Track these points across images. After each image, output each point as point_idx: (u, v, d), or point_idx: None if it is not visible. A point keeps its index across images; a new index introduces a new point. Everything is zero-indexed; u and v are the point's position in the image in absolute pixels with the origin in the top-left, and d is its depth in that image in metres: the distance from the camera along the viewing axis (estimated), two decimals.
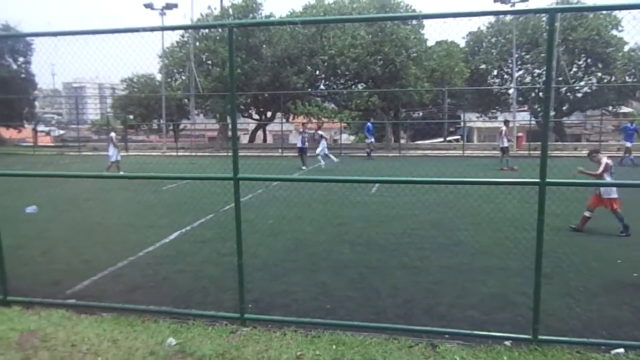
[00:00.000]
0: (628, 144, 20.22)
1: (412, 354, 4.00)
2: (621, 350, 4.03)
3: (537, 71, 36.20)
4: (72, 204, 11.38)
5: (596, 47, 32.54)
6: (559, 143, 30.73)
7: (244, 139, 41.02)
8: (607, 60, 33.31)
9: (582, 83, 36.13)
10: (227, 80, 27.98)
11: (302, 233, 8.38)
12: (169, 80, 36.33)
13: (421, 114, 41.14)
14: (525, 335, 4.18)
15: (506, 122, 20.18)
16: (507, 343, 4.18)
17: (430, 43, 31.69)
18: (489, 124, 44.06)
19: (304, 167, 19.35)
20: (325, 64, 31.12)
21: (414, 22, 29.53)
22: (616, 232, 8.21)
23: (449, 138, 40.22)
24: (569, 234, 8.21)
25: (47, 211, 10.34)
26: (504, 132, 19.36)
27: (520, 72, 36.84)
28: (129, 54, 5.17)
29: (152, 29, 4.59)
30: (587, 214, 8.44)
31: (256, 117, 39.06)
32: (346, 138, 44.21)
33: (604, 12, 30.12)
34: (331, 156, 20.43)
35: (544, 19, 32.51)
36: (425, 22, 22.97)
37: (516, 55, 33.12)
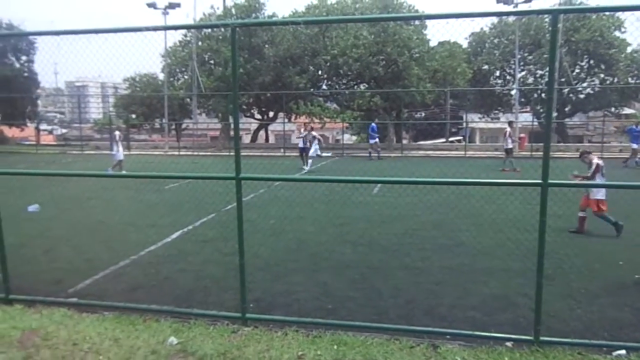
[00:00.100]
0: (635, 146, 20.22)
1: (414, 354, 4.00)
2: (623, 352, 4.03)
3: (539, 72, 36.13)
4: (74, 202, 11.40)
5: (599, 48, 32.47)
6: (561, 144, 30.68)
7: (246, 139, 41.05)
8: (609, 62, 33.22)
9: (584, 84, 36.05)
10: (229, 79, 27.99)
11: (304, 233, 8.39)
12: (171, 79, 36.36)
13: (423, 114, 41.10)
14: (526, 336, 4.17)
15: (510, 123, 20.13)
16: (509, 344, 4.18)
17: (433, 43, 31.72)
18: (491, 125, 44.00)
19: (305, 167, 19.36)
20: (328, 64, 31.12)
21: (417, 22, 29.50)
22: (613, 233, 8.19)
23: (451, 139, 40.17)
24: (570, 235, 8.20)
25: (50, 210, 10.36)
26: (508, 133, 19.32)
27: (523, 73, 36.77)
28: (132, 53, 5.19)
29: (155, 29, 4.59)
30: (581, 214, 8.44)
31: (258, 116, 39.07)
32: (348, 138, 44.20)
33: (607, 13, 30.04)
34: (322, 155, 20.18)
35: (547, 19, 32.48)
36: (428, 22, 22.97)
37: (519, 56, 33.07)
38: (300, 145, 20.01)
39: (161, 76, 37.34)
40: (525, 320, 4.64)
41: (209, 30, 32.08)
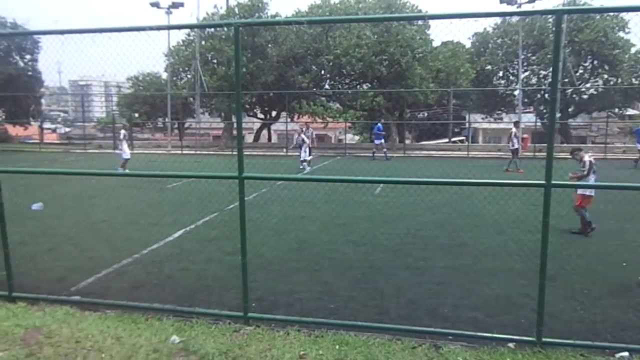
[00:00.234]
0: None
1: (416, 354, 4.00)
2: (626, 354, 4.02)
3: (542, 72, 36.05)
4: (78, 201, 11.43)
5: (603, 48, 32.36)
6: (565, 145, 30.60)
7: (249, 138, 41.09)
8: (613, 62, 33.12)
9: (588, 85, 35.95)
10: (232, 79, 27.97)
11: (306, 232, 8.39)
12: (174, 78, 36.40)
13: (426, 114, 41.07)
14: (529, 337, 4.17)
15: (516, 124, 20.09)
16: (511, 345, 4.18)
17: (436, 43, 31.68)
18: (494, 125, 43.94)
19: (308, 167, 19.36)
20: (331, 63, 31.11)
21: (420, 22, 29.47)
22: (621, 234, 8.17)
23: (453, 139, 40.12)
24: (573, 236, 8.17)
25: (53, 208, 10.38)
26: (513, 133, 19.28)
27: (526, 74, 36.71)
28: (135, 53, 5.20)
29: (159, 28, 4.60)
30: (586, 214, 8.40)
31: (261, 116, 39.10)
32: (351, 138, 44.19)
33: (611, 13, 29.95)
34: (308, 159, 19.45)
35: (550, 20, 32.38)
36: (431, 22, 22.97)
37: (522, 57, 33.01)
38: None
39: (164, 75, 37.42)
40: (527, 321, 4.63)
41: (212, 29, 32.09)
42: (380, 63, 29.74)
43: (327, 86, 34.69)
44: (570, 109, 37.09)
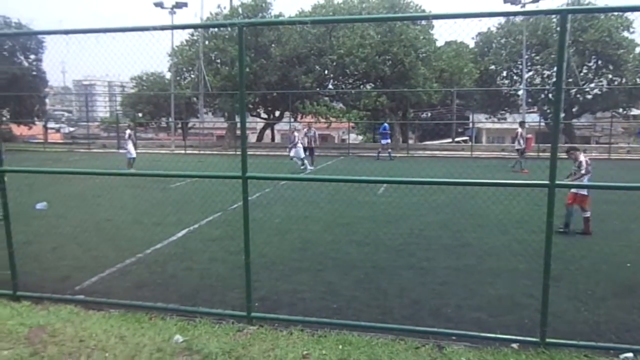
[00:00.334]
0: None
1: (419, 355, 3.99)
2: (630, 354, 4.00)
3: (546, 72, 35.93)
4: (81, 200, 11.46)
5: (607, 48, 32.24)
6: (568, 145, 30.44)
7: (252, 138, 41.09)
8: (617, 62, 32.99)
9: (592, 85, 35.82)
10: (235, 79, 28.03)
11: (310, 232, 8.39)
12: (178, 78, 36.47)
13: (430, 114, 41.01)
14: (532, 338, 4.15)
15: (522, 124, 20.01)
16: (515, 346, 4.17)
17: (440, 43, 31.63)
18: (498, 125, 43.83)
19: (311, 167, 19.38)
20: (334, 63, 31.09)
21: (424, 22, 29.43)
22: (626, 234, 8.14)
23: (457, 139, 40.05)
24: (577, 236, 8.15)
25: (57, 207, 10.42)
26: (520, 133, 19.21)
27: (530, 73, 36.60)
28: (139, 53, 5.21)
29: (162, 28, 4.61)
30: (584, 215, 8.37)
31: (264, 116, 39.12)
32: (354, 138, 44.16)
33: (616, 13, 29.81)
34: (297, 160, 19.24)
35: (555, 20, 32.30)
36: (435, 22, 22.88)
37: (526, 56, 32.91)
38: (305, 145, 19.98)
39: (168, 75, 37.52)
40: (531, 321, 4.62)
41: (216, 29, 32.12)
42: (383, 63, 29.71)
43: (330, 86, 34.69)
44: (574, 109, 36.97)
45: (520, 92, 35.53)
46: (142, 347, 4.06)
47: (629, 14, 29.53)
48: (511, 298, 5.36)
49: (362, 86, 34.41)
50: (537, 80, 36.93)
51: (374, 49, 29.16)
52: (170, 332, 4.34)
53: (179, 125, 40.77)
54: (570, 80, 31.57)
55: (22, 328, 4.42)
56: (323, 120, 32.88)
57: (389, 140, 24.97)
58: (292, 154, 18.78)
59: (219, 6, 34.23)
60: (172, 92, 34.44)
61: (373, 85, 33.14)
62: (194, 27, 33.23)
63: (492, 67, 37.11)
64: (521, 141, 18.94)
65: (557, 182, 3.97)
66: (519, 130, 19.49)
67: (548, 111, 33.53)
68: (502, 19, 36.78)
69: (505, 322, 4.72)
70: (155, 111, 40.12)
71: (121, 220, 9.24)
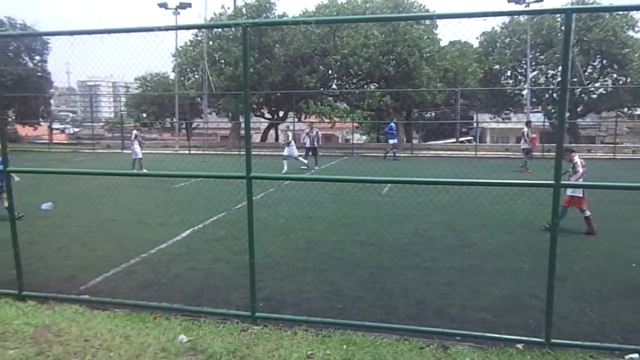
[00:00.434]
0: None
1: (423, 355, 3.99)
2: (635, 355, 3.98)
3: (551, 72, 35.81)
4: (86, 200, 11.49)
5: (612, 48, 32.09)
6: (573, 145, 30.35)
7: (256, 138, 41.14)
8: (622, 61, 32.83)
9: (597, 84, 35.67)
10: (239, 79, 28.05)
11: (314, 232, 8.39)
12: (182, 79, 36.55)
13: (434, 114, 40.92)
14: (537, 338, 4.14)
15: (528, 123, 19.95)
16: (519, 346, 4.15)
17: (444, 43, 31.57)
18: (502, 125, 43.70)
19: (316, 167, 19.39)
20: (338, 63, 31.10)
21: (427, 22, 29.38)
22: (632, 234, 8.11)
23: (461, 139, 39.94)
24: (581, 236, 8.12)
25: (62, 208, 10.46)
26: (526, 133, 19.15)
27: (535, 73, 36.48)
28: (143, 53, 5.23)
29: (167, 28, 4.62)
30: (585, 214, 8.33)
31: (268, 116, 39.16)
32: (358, 138, 44.13)
33: (620, 12, 29.70)
34: (296, 160, 19.09)
35: (559, 19, 32.17)
36: (439, 22, 22.87)
37: (530, 56, 32.80)
38: (308, 145, 19.98)
39: (172, 76, 37.59)
40: (536, 322, 4.60)
41: (220, 30, 32.18)
42: (387, 63, 29.70)
43: (334, 86, 34.68)
44: (579, 109, 36.82)
45: (524, 92, 35.43)
46: (146, 347, 4.07)
47: (633, 13, 29.47)
48: (516, 298, 5.35)
49: (366, 86, 34.39)
50: (542, 79, 36.80)
51: (378, 48, 29.15)
52: (174, 331, 4.35)
53: (183, 126, 40.89)
54: (574, 79, 31.45)
55: (27, 328, 4.44)
56: (327, 120, 32.88)
57: (395, 140, 24.93)
58: (285, 152, 18.69)
59: (222, 6, 34.46)
60: (176, 92, 34.51)
61: (377, 85, 33.12)
62: (198, 27, 33.23)
63: (497, 66, 37.03)
64: (527, 140, 18.88)
65: (562, 182, 3.96)
66: (525, 129, 19.43)
67: (552, 111, 33.39)
68: (506, 19, 36.67)
69: (509, 322, 4.71)
70: (159, 111, 40.21)
71: (126, 221, 9.26)
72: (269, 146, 35.23)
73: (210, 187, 11.72)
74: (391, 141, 24.81)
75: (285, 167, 17.89)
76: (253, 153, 4.71)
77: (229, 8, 34.03)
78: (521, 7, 29.79)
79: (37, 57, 38.30)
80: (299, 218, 9.46)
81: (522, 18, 34.92)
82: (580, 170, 8.22)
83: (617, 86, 34.01)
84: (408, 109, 32.93)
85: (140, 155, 17.74)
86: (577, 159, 8.32)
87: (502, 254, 7.03)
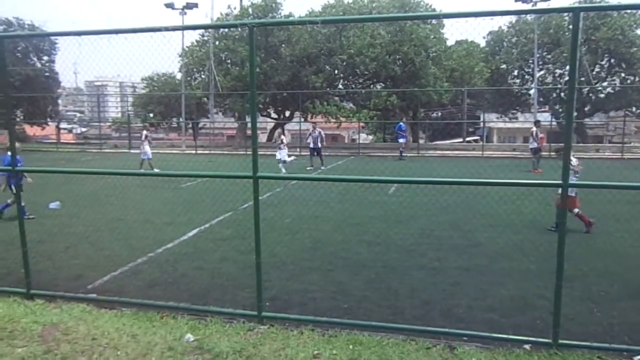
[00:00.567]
0: None
1: (430, 355, 3.98)
2: None
3: (558, 71, 35.60)
4: (94, 200, 11.55)
5: (620, 46, 31.84)
6: (581, 144, 30.19)
7: (262, 138, 41.18)
8: (631, 61, 32.56)
9: (604, 84, 35.42)
10: (246, 79, 28.10)
11: (320, 232, 8.39)
12: (188, 79, 36.65)
13: (440, 114, 40.81)
14: (545, 339, 4.12)
15: (537, 123, 19.84)
16: (527, 346, 4.13)
17: (450, 42, 31.47)
18: (509, 125, 43.50)
19: (322, 167, 19.40)
20: (344, 63, 31.06)
21: (434, 21, 29.29)
22: (638, 235, 8.05)
23: (468, 138, 39.80)
24: (589, 236, 8.06)
25: (70, 207, 10.52)
26: (535, 132, 19.05)
27: (542, 72, 36.27)
28: (150, 53, 5.25)
29: (174, 29, 4.63)
30: (575, 212, 8.26)
31: (274, 116, 39.20)
32: (364, 138, 44.10)
33: (629, 11, 29.45)
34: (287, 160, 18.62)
35: (567, 18, 31.96)
36: (446, 21, 22.78)
37: (537, 55, 32.62)
38: (311, 145, 19.97)
39: (179, 76, 37.71)
40: (543, 322, 4.58)
41: (226, 30, 32.25)
42: (394, 62, 29.63)
43: (340, 86, 34.64)
44: (586, 108, 36.57)
45: (531, 92, 35.23)
46: (153, 346, 4.08)
47: None
48: (523, 298, 5.32)
49: (372, 86, 34.33)
50: (549, 79, 36.59)
51: (384, 48, 29.10)
52: (181, 331, 4.36)
53: (190, 126, 41.00)
54: (582, 79, 31.24)
55: (35, 326, 4.47)
56: (333, 120, 32.87)
57: (405, 140, 24.90)
58: (278, 156, 18.26)
59: (229, 7, 34.62)
60: (183, 92, 34.61)
61: (383, 85, 33.05)
62: (205, 27, 33.36)
63: (503, 66, 36.84)
64: (536, 139, 18.78)
65: (570, 182, 3.93)
66: (534, 129, 19.32)
67: (560, 110, 33.20)
68: (513, 18, 36.47)
69: (517, 322, 4.69)
70: (166, 111, 40.37)
71: (133, 220, 9.30)
72: (275, 146, 35.22)
73: (216, 187, 11.75)
74: (401, 140, 24.83)
75: (283, 170, 17.79)
76: (259, 153, 4.71)
77: (235, 8, 34.13)
78: (528, 6, 29.64)
79: (45, 58, 38.59)
80: (306, 218, 9.46)
81: (529, 17, 34.72)
82: (577, 169, 8.16)
83: (625, 85, 33.75)
84: (414, 108, 32.85)
85: (150, 156, 17.89)
86: (573, 158, 8.26)
87: (509, 254, 7.00)
